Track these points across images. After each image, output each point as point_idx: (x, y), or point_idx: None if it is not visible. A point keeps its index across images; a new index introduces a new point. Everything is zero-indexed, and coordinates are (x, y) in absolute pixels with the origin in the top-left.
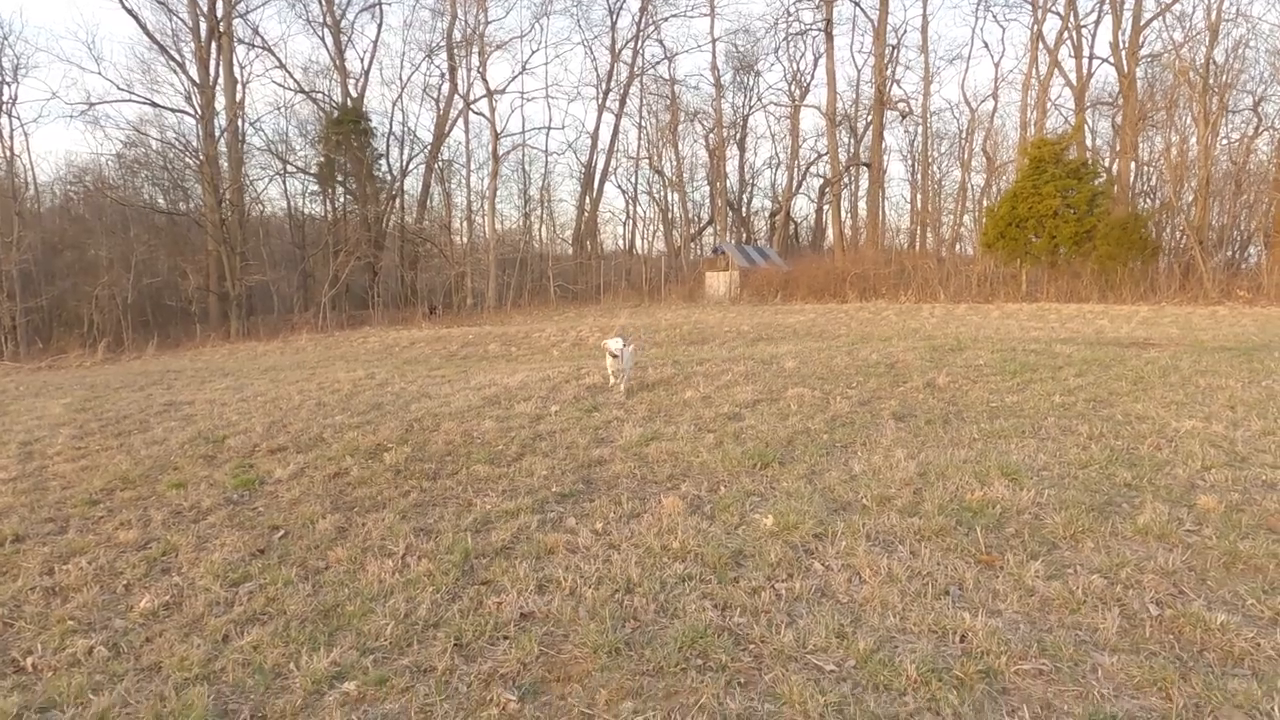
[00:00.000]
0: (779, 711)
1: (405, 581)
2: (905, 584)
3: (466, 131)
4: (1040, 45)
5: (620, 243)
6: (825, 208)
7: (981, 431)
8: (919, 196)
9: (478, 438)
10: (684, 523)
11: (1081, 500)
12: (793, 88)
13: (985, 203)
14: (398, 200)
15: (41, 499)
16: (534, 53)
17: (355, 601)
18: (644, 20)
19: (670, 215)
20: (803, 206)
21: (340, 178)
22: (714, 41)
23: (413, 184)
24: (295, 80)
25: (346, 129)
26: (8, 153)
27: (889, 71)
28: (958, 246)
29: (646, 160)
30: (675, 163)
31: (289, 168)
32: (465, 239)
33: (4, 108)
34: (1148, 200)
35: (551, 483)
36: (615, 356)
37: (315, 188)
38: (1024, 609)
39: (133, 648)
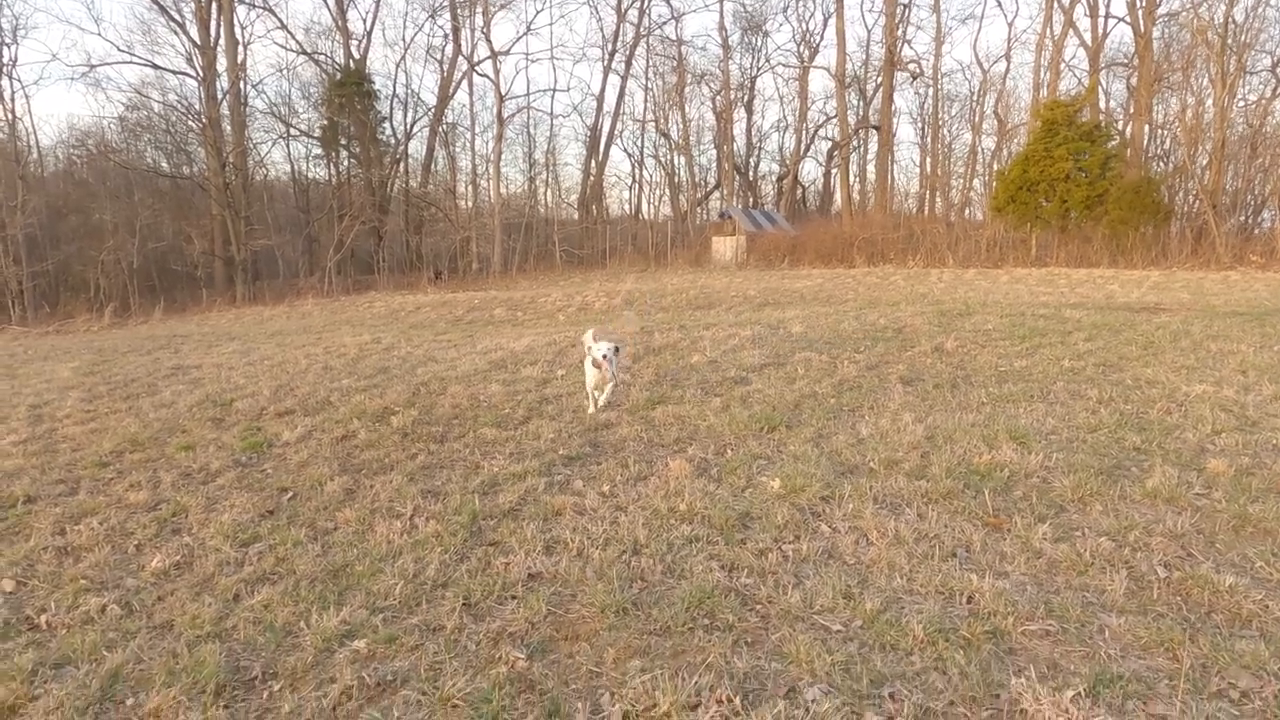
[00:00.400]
0: (786, 670)
1: (413, 542)
2: (912, 546)
3: (471, 94)
4: (1055, 3)
5: (626, 207)
6: (833, 171)
7: (990, 396)
8: (928, 160)
9: (484, 401)
10: (691, 485)
11: (1090, 464)
12: (801, 49)
13: (995, 166)
14: (402, 164)
15: (52, 461)
16: (538, 12)
17: (364, 562)
18: None
19: (676, 179)
20: (810, 170)
21: (344, 141)
22: (721, 1)
23: (417, 148)
24: (297, 41)
25: (349, 91)
26: (9, 116)
27: (900, 31)
28: (967, 211)
29: (652, 123)
30: (682, 126)
31: (292, 131)
32: (470, 203)
33: (4, 70)
34: (1161, 164)
35: (558, 446)
36: (599, 366)
37: (319, 151)
38: (1031, 571)
39: (145, 606)
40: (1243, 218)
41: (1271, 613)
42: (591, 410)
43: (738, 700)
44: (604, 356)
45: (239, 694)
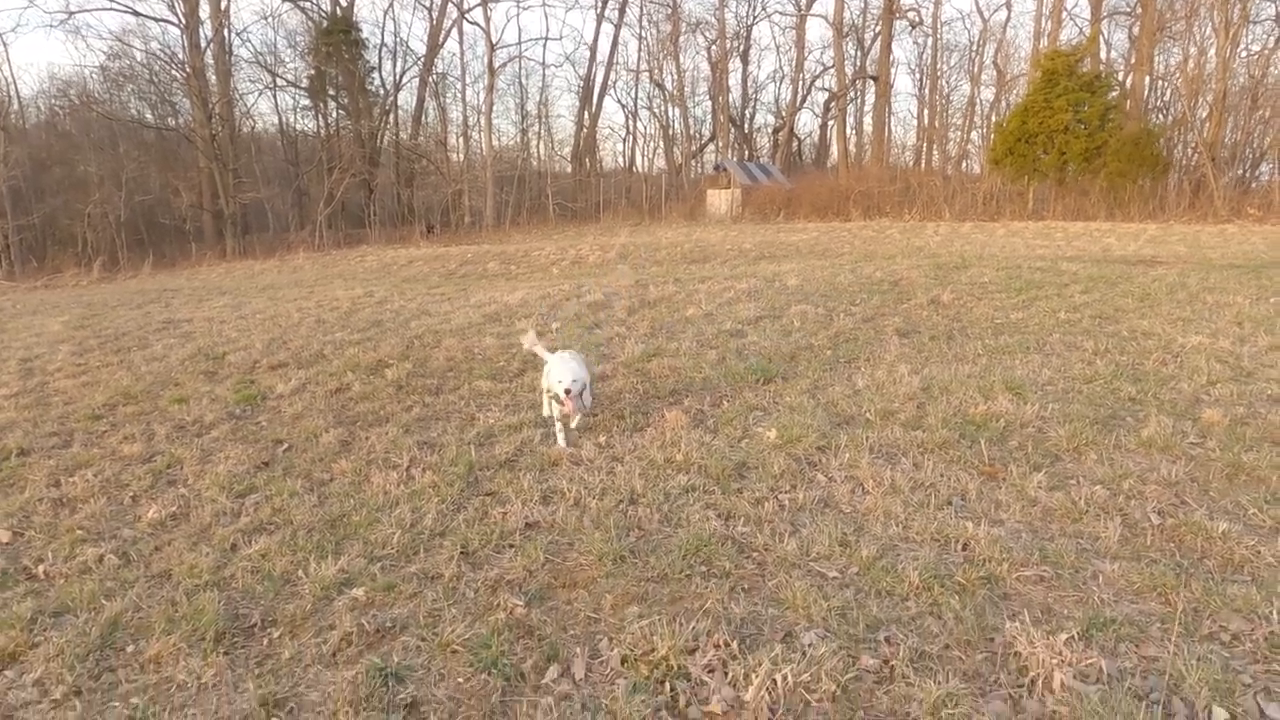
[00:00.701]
0: (782, 615)
1: (410, 493)
2: (908, 495)
3: (461, 43)
4: None
5: (620, 160)
6: (830, 123)
7: (986, 347)
8: (926, 112)
9: (479, 354)
10: (687, 436)
11: (1085, 414)
12: None
13: (994, 118)
14: (392, 115)
15: (44, 414)
16: None
17: (361, 512)
18: None
19: (671, 131)
20: (807, 122)
21: (332, 92)
22: None
23: (407, 99)
24: None
25: (337, 40)
26: None
27: None
28: (964, 164)
29: (647, 73)
30: (676, 76)
31: (278, 81)
32: (462, 156)
33: None
34: (1160, 116)
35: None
36: (562, 401)
37: (307, 102)
38: (1026, 518)
39: (142, 556)
40: (1241, 171)
41: (1263, 558)
42: (560, 445)
43: (735, 644)
44: (566, 393)
45: (239, 640)
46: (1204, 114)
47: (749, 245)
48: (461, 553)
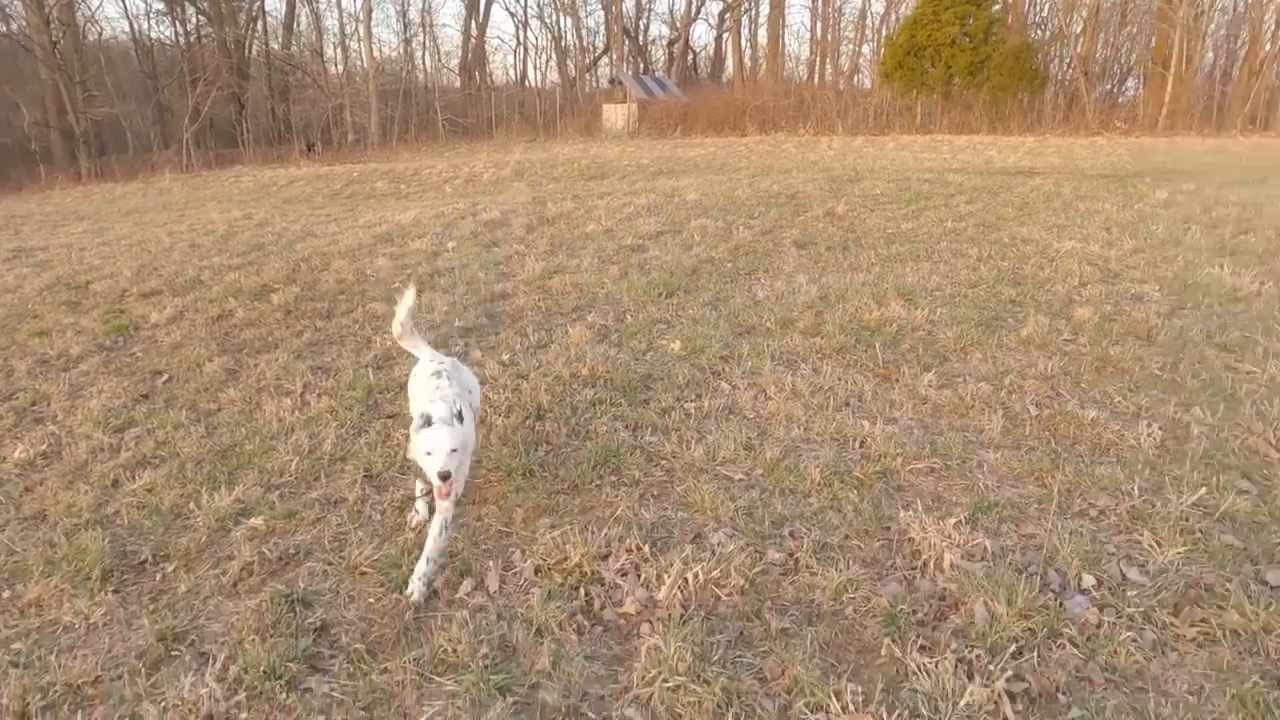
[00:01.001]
0: (691, 518)
1: (306, 419)
2: (808, 398)
3: None
4: None
5: (511, 74)
6: (725, 36)
7: (879, 257)
8: (819, 24)
9: (371, 276)
10: (592, 351)
11: (971, 316)
12: None
13: (884, 32)
14: (260, 22)
15: None
16: None
17: (254, 441)
18: None
19: (563, 43)
20: (702, 35)
21: None
22: None
23: (276, 4)
24: None
25: None
26: None
27: None
28: (856, 79)
29: None
30: None
31: None
32: (341, 68)
33: None
34: (1039, 31)
35: (454, 318)
36: (437, 486)
37: (161, 6)
38: (918, 415)
39: (11, 498)
40: (1109, 85)
41: (1126, 440)
42: (421, 516)
43: (646, 548)
44: (444, 479)
45: (129, 578)
46: (1079, 29)
47: (647, 161)
48: (365, 476)
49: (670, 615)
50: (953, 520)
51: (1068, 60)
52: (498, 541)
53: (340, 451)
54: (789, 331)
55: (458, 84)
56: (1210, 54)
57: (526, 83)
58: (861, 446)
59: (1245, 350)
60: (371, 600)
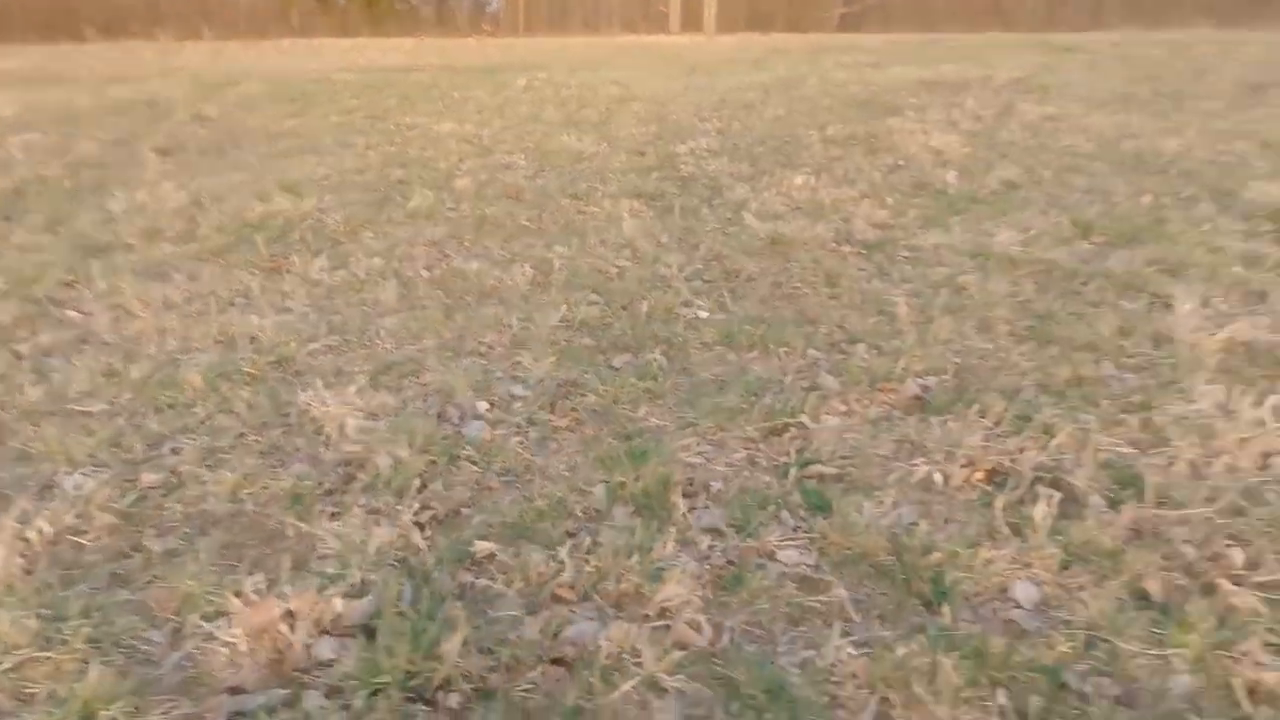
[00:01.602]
0: (38, 470)
1: None
2: (185, 307)
3: None
4: None
5: None
6: None
7: (259, 155)
8: None
9: None
10: None
11: (360, 200)
12: None
13: None
14: None
15: None
16: None
17: None
18: None
19: None
20: None
21: None
22: None
23: None
24: None
25: None
26: None
27: None
28: None
29: None
30: None
31: None
32: None
33: None
34: None
35: None
36: None
37: None
38: (313, 300)
39: None
40: None
41: (504, 283)
42: None
43: None
44: None
45: None
46: None
47: None
48: None
49: (10, 585)
50: (353, 387)
51: None
52: None
53: None
54: (155, 242)
55: None
56: None
57: None
58: (252, 342)
59: (589, 197)
60: None
